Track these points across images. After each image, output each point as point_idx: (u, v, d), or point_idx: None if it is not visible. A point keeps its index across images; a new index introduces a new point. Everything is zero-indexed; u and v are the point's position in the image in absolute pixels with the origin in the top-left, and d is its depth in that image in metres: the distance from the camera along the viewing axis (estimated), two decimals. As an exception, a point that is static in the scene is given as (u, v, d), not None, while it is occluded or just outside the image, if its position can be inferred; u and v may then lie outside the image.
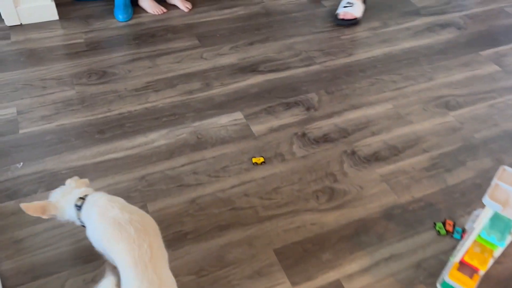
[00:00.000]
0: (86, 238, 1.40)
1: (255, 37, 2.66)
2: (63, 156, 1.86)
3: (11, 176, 1.76)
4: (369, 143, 2.02)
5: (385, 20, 2.87)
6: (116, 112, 2.08)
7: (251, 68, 2.42)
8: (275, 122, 2.10)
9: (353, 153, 1.97)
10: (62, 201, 1.36)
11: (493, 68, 2.51)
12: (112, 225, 1.22)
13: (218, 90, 2.26)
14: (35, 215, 1.34)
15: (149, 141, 1.96)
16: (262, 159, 1.90)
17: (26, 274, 1.45)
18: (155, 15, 2.77)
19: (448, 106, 2.24)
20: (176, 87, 2.26)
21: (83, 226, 1.35)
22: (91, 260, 1.50)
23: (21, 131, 1.94)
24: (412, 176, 1.88)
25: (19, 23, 2.59)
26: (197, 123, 2.06)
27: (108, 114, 2.07)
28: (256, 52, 2.53)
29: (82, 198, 1.33)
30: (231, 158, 1.91)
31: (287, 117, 2.13)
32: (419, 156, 1.97)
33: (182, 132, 2.01)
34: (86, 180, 1.44)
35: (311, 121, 2.12)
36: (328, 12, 2.91)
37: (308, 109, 2.18)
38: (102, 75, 2.29)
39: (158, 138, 1.97)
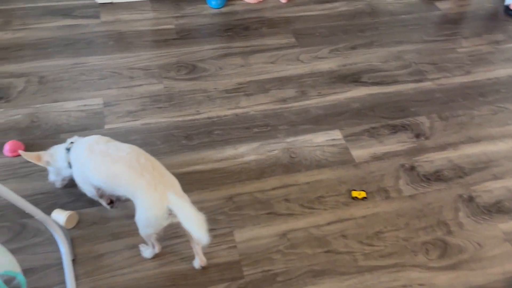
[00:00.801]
0: (167, 263, 1.40)
1: (359, 40, 2.37)
2: (148, 161, 1.73)
3: (94, 178, 1.66)
4: (490, 189, 1.72)
5: (510, 33, 2.46)
6: (205, 115, 1.92)
7: (353, 78, 2.15)
8: (379, 148, 1.85)
9: (471, 199, 1.68)
10: (55, 148, 1.50)
11: None
12: (101, 155, 1.33)
13: (314, 101, 2.02)
14: (32, 161, 1.47)
15: (239, 154, 1.78)
16: (363, 194, 1.66)
17: (104, 298, 1.35)
18: (250, 3, 2.55)
19: None
20: (269, 92, 2.04)
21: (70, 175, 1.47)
22: (172, 292, 1.37)
23: (106, 127, 1.82)
24: (543, 239, 1.58)
25: (110, 1, 2.47)
26: (290, 139, 1.85)
27: (197, 116, 1.91)
28: (359, 59, 2.25)
29: (72, 142, 1.45)
30: (327, 187, 1.69)
31: (393, 144, 1.87)
32: (552, 214, 1.66)
33: (274, 148, 1.81)
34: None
35: (421, 152, 1.84)
36: (443, 17, 2.55)
37: (417, 136, 1.90)
38: (191, 69, 2.12)
39: (248, 152, 1.79)
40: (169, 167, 1.62)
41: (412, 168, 1.78)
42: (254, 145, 1.82)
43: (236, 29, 2.38)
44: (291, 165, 1.76)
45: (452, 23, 2.51)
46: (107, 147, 1.36)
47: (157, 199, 1.24)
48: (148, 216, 1.28)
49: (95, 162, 1.35)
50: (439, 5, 2.64)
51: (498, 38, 2.42)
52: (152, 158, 1.36)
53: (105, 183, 1.36)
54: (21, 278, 1.10)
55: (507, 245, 1.55)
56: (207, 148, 1.79)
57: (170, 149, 1.77)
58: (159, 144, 1.79)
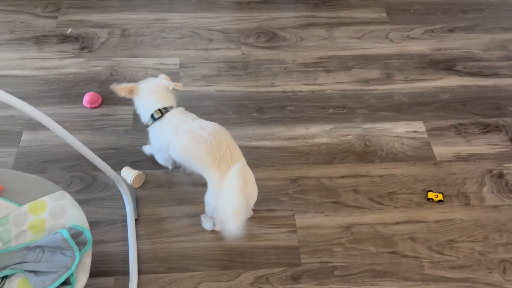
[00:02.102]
0: (225, 238, 1.39)
1: (459, 22, 2.12)
2: (217, 130, 1.70)
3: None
4: None
5: None
6: (280, 88, 1.83)
7: (446, 65, 1.94)
8: (464, 148, 1.67)
9: None
10: (145, 98, 1.41)
11: None
12: (185, 133, 1.29)
13: (399, 86, 1.86)
14: (121, 94, 1.40)
15: (309, 135, 1.69)
16: (440, 196, 1.53)
17: (162, 262, 1.37)
18: None
19: None
20: (351, 71, 1.91)
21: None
22: (228, 267, 1.36)
23: (181, 89, 1.81)
24: None
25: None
26: (367, 125, 1.73)
27: (271, 89, 1.83)
28: (456, 44, 2.03)
29: (161, 112, 1.37)
30: (401, 183, 1.57)
31: (482, 145, 1.68)
32: None
33: (349, 133, 1.71)
34: (179, 84, 1.46)
35: (513, 159, 1.65)
36: None
37: (512, 139, 1.70)
38: (271, 37, 2.03)
39: (320, 134, 1.70)
40: (237, 138, 1.60)
41: (501, 175, 1.60)
42: (327, 127, 1.72)
43: (324, -3, 2.22)
44: (364, 153, 1.65)
45: None
46: (191, 125, 1.32)
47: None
48: (216, 205, 1.26)
49: (177, 139, 1.32)
50: (562, -12, 2.29)
51: None
52: (232, 144, 1.28)
53: (183, 160, 1.34)
54: (88, 235, 1.13)
55: None
56: (278, 124, 1.72)
57: (241, 120, 1.72)
58: (231, 113, 1.75)
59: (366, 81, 1.87)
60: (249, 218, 1.45)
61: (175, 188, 1.53)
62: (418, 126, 1.73)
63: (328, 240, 1.43)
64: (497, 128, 1.73)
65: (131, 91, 1.41)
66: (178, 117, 1.35)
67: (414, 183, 1.57)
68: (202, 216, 1.45)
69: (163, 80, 1.43)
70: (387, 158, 1.64)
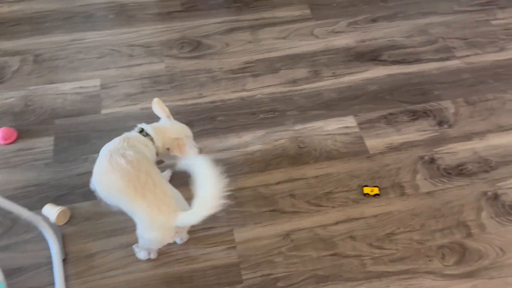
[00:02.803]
0: (162, 265, 1.36)
1: (380, 12, 2.14)
2: (145, 150, 1.63)
3: (89, 168, 1.56)
4: (519, 186, 1.56)
5: (555, 1, 2.19)
6: (208, 99, 1.78)
7: (372, 56, 1.95)
8: (396, 138, 1.69)
9: (496, 197, 1.53)
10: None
11: None
12: (103, 159, 1.21)
13: (328, 83, 1.85)
14: None
15: (242, 143, 1.65)
16: (376, 190, 1.53)
17: (95, 301, 1.29)
18: None
19: None
20: (279, 72, 1.88)
21: None
22: (166, 296, 1.31)
23: (103, 111, 1.72)
24: None
25: (111, -32, 2.30)
26: (299, 126, 1.71)
27: (199, 100, 1.77)
28: (380, 33, 2.04)
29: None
30: (337, 182, 1.56)
31: (412, 132, 1.70)
32: None
33: (281, 137, 1.68)
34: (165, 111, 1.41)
35: (443, 142, 1.67)
36: (478, -17, 2.27)
37: (440, 123, 1.73)
38: (196, 46, 1.97)
39: (253, 141, 1.66)
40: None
41: (432, 160, 1.62)
42: (260, 133, 1.68)
43: (253, -1, 2.19)
44: (299, 156, 1.63)
45: (487, -10, 2.24)
46: (115, 149, 1.21)
47: (163, 221, 1.14)
48: (151, 238, 1.20)
49: (96, 164, 1.23)
50: (474, -32, 2.36)
51: (539, 8, 2.16)
52: (154, 171, 1.21)
53: (101, 194, 1.23)
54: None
55: (533, 251, 1.41)
56: (209, 136, 1.67)
57: (170, 137, 1.66)
58: (159, 131, 1.68)
59: (294, 81, 1.85)
60: (185, 241, 1.40)
61: (105, 219, 1.44)
62: (349, 121, 1.73)
63: (268, 251, 1.40)
64: (425, 114, 1.76)
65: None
66: (113, 142, 1.25)
67: (349, 180, 1.57)
68: (134, 247, 1.37)
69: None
70: (321, 157, 1.63)
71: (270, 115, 1.74)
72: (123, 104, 1.75)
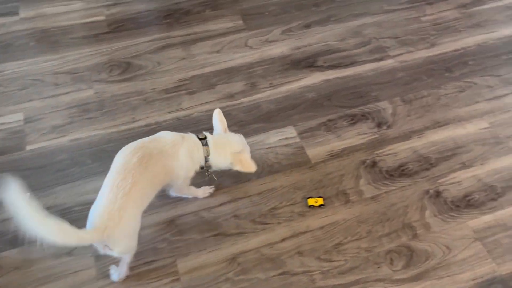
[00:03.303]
0: None
1: (313, 17, 2.13)
2: (78, 185, 1.52)
3: (15, 212, 1.46)
4: (459, 180, 1.58)
5: (478, -7, 2.26)
6: (142, 122, 1.70)
7: (307, 62, 1.94)
8: (336, 144, 1.67)
9: (438, 194, 1.54)
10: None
11: None
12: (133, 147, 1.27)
13: (266, 94, 1.82)
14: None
15: (181, 166, 1.59)
16: (320, 201, 1.50)
17: None
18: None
19: None
20: (215, 88, 1.83)
21: None
22: None
23: (28, 147, 1.60)
24: (515, 233, 1.45)
25: (31, -8, 2.17)
26: (239, 142, 1.67)
27: (133, 125, 1.69)
28: (314, 39, 2.03)
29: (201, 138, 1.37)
30: (281, 196, 1.52)
31: (353, 137, 1.69)
32: (525, 203, 1.53)
33: (221, 155, 1.63)
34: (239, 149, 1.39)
35: (383, 144, 1.67)
36: (405, -19, 2.31)
37: (379, 125, 1.73)
38: (125, 68, 1.88)
39: (191, 163, 1.60)
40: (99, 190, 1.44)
41: (374, 164, 1.61)
42: (199, 153, 1.63)
43: (176, 14, 2.12)
44: (240, 174, 1.57)
45: (415, -13, 2.29)
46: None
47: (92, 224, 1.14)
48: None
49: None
50: (401, -33, 2.40)
51: (465, 1, 2.21)
52: (143, 190, 1.20)
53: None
54: None
55: (477, 245, 1.42)
56: (145, 162, 1.59)
57: (103, 168, 1.56)
58: (90, 163, 1.58)
59: (232, 96, 1.80)
60: (126, 277, 1.31)
61: (36, 266, 1.33)
62: (290, 132, 1.70)
63: (215, 279, 1.33)
64: (363, 117, 1.75)
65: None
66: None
67: (293, 193, 1.53)
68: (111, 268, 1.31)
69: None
70: (263, 173, 1.58)
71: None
72: (50, 138, 1.64)
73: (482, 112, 1.77)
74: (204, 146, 1.33)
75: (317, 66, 1.92)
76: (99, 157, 1.59)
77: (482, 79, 1.88)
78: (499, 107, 1.78)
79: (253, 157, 1.61)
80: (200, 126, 1.70)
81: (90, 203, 1.46)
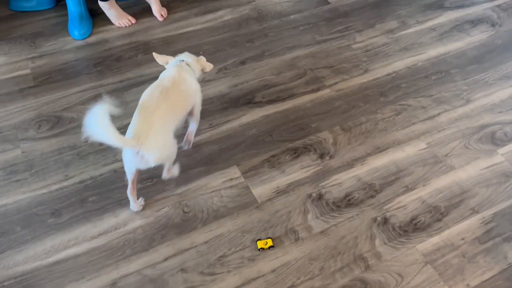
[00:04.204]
0: None
1: (248, 53, 2.14)
2: (6, 257, 1.39)
3: None
4: (404, 204, 1.59)
5: (403, 19, 2.36)
6: (76, 179, 1.60)
7: (246, 99, 1.92)
8: (281, 180, 1.64)
9: (386, 221, 1.54)
10: (175, 60, 1.62)
11: (541, 80, 2.05)
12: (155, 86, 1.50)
13: (206, 135, 1.78)
14: (161, 63, 1.63)
15: (121, 222, 1.49)
16: (270, 242, 1.45)
17: None
18: (121, 27, 2.23)
19: (494, 139, 1.79)
20: (152, 134, 1.77)
21: None
22: None
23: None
24: (463, 252, 1.46)
25: None
26: (182, 189, 1.60)
27: (66, 183, 1.59)
28: (251, 75, 2.03)
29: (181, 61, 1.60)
30: (229, 242, 1.46)
31: (297, 171, 1.67)
32: (468, 220, 1.55)
33: (164, 205, 1.55)
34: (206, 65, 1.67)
35: (327, 175, 1.66)
36: (334, 11, 2.38)
37: (321, 156, 1.72)
38: (55, 122, 1.78)
39: (132, 217, 1.51)
40: (33, 259, 1.34)
41: (320, 196, 1.60)
42: (139, 206, 1.55)
43: (107, 61, 2.05)
44: (185, 223, 1.51)
45: (343, 17, 2.36)
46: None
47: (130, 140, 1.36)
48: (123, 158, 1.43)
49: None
50: (329, -3, 2.48)
51: (391, 26, 2.31)
52: (167, 109, 1.42)
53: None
54: None
55: (428, 269, 1.42)
56: (81, 222, 1.49)
57: (33, 235, 1.45)
58: (19, 230, 1.45)
59: (171, 141, 1.75)
60: None
61: None
62: (233, 172, 1.66)
63: None
64: (306, 149, 1.75)
65: (167, 62, 1.63)
66: (176, 67, 1.56)
67: (242, 237, 1.48)
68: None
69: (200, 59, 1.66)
70: (209, 218, 1.52)
71: (149, 183, 1.61)
72: (-28, 207, 1.50)
73: (419, 133, 1.82)
74: (186, 66, 1.59)
75: (256, 102, 1.91)
76: (29, 223, 1.47)
77: (415, 101, 1.94)
78: (434, 126, 1.84)
79: (197, 203, 1.56)
80: (139, 176, 1.62)
81: (21, 276, 1.36)
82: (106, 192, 1.57)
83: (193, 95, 1.57)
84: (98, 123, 1.26)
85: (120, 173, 1.62)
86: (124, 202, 1.54)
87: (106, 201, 1.54)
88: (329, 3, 2.44)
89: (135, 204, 1.51)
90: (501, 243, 1.49)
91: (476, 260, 1.44)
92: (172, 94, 1.45)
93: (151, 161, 1.36)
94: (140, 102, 1.46)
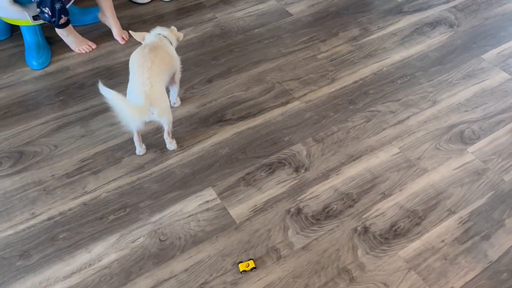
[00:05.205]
0: None
1: (214, 70, 2.12)
2: (-28, 308, 1.31)
3: None
4: (383, 211, 1.59)
5: (365, 25, 2.39)
6: (44, 216, 1.52)
7: (216, 117, 1.90)
8: (259, 197, 1.61)
9: (366, 230, 1.53)
10: (152, 33, 1.77)
11: (501, 76, 2.11)
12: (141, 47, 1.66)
13: (178, 159, 1.73)
14: (139, 39, 1.77)
15: (95, 258, 1.43)
16: (252, 264, 1.42)
17: None
18: (82, 54, 2.16)
19: (463, 138, 1.83)
20: (122, 161, 1.71)
21: None
22: None
23: None
24: (444, 254, 1.47)
25: None
26: (156, 217, 1.55)
27: (33, 221, 1.51)
28: (219, 93, 2.00)
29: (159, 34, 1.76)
30: (210, 268, 1.42)
31: (273, 187, 1.65)
32: (446, 221, 1.56)
33: (139, 235, 1.49)
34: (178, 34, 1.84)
35: (304, 188, 1.65)
36: (297, 22, 2.39)
37: (297, 169, 1.71)
38: (18, 158, 1.70)
39: (106, 251, 1.44)
40: None
41: (299, 211, 1.57)
42: (113, 239, 1.48)
43: (69, 90, 1.99)
44: (162, 252, 1.45)
45: (307, 27, 2.37)
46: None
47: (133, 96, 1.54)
48: (126, 114, 1.47)
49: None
50: (291, 9, 2.49)
51: (354, 34, 2.34)
52: (159, 66, 1.59)
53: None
54: None
55: (412, 275, 1.41)
56: (52, 262, 1.41)
57: (1, 280, 1.36)
58: (-15, 277, 1.37)
59: (141, 167, 1.69)
60: None
61: None
62: (209, 194, 1.62)
63: None
64: (280, 164, 1.73)
65: (143, 38, 1.77)
66: (157, 37, 1.73)
67: (222, 261, 1.44)
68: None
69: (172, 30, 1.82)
70: (187, 245, 1.47)
71: (122, 213, 1.55)
72: None
73: (390, 138, 1.83)
74: (165, 38, 1.75)
75: (227, 120, 1.88)
76: (-4, 268, 1.39)
77: (384, 106, 1.96)
78: (404, 130, 1.86)
79: (173, 230, 1.51)
80: (110, 208, 1.56)
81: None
82: (77, 227, 1.50)
83: (176, 58, 1.75)
84: (111, 96, 1.41)
85: (90, 206, 1.56)
86: (97, 237, 1.48)
87: (77, 237, 1.47)
88: (291, 14, 2.45)
89: (141, 149, 1.72)
90: (480, 242, 1.50)
91: (458, 261, 1.45)
92: (160, 52, 1.62)
93: (157, 113, 1.55)
94: (131, 63, 1.61)
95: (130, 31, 1.78)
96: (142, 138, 1.72)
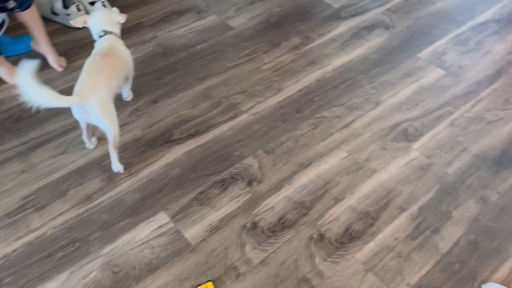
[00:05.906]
0: None
1: (158, 90, 2.08)
2: None
3: None
4: (336, 216, 1.60)
5: (305, 33, 2.43)
6: (-16, 262, 1.44)
7: (164, 138, 1.86)
8: (213, 216, 1.59)
9: (322, 237, 1.54)
10: (94, 25, 1.77)
11: (437, 72, 2.20)
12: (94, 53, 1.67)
13: (127, 185, 1.68)
14: (80, 25, 1.76)
15: (44, 300, 1.36)
16: (210, 286, 1.39)
17: None
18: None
19: (407, 136, 1.89)
20: (68, 194, 1.64)
21: None
22: None
23: None
24: (398, 252, 1.50)
25: None
26: (108, 248, 1.49)
27: (-28, 270, 1.42)
28: (165, 113, 1.97)
29: (104, 32, 1.75)
30: (168, 295, 1.38)
31: (227, 203, 1.63)
32: (398, 219, 1.60)
33: (90, 270, 1.43)
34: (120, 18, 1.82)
35: (258, 201, 1.64)
36: (239, 35, 2.40)
37: (250, 183, 1.70)
38: (-48, 202, 1.60)
39: (56, 292, 1.38)
40: None
41: (255, 225, 1.57)
42: (63, 277, 1.41)
43: (6, 123, 1.89)
44: (116, 284, 1.40)
45: (249, 40, 2.39)
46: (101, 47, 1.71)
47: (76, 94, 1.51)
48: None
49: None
50: (232, 23, 2.50)
51: (295, 43, 2.37)
52: (109, 70, 1.60)
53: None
54: None
55: (370, 276, 1.43)
56: (-3, 310, 1.33)
57: None
58: None
59: (89, 198, 1.63)
60: None
61: None
62: (161, 218, 1.58)
63: None
64: (233, 179, 1.72)
65: (85, 22, 1.76)
66: (107, 41, 1.72)
67: (180, 286, 1.40)
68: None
69: (111, 13, 1.81)
70: (142, 274, 1.43)
71: (71, 249, 1.48)
72: None
73: (338, 142, 1.86)
74: (112, 35, 1.75)
75: (175, 140, 1.85)
76: None
77: (329, 111, 2.00)
78: (351, 133, 1.90)
79: (126, 260, 1.46)
80: (58, 244, 1.49)
81: None
82: (22, 269, 1.42)
83: (129, 59, 1.77)
84: (34, 90, 1.33)
85: (36, 245, 1.48)
86: (45, 277, 1.40)
87: (23, 280, 1.39)
88: (233, 28, 2.46)
89: (90, 143, 1.78)
90: (431, 236, 1.55)
91: (412, 258, 1.49)
92: (112, 58, 1.64)
93: (94, 115, 1.52)
94: (84, 67, 1.60)
95: (71, 21, 1.76)
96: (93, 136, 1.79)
